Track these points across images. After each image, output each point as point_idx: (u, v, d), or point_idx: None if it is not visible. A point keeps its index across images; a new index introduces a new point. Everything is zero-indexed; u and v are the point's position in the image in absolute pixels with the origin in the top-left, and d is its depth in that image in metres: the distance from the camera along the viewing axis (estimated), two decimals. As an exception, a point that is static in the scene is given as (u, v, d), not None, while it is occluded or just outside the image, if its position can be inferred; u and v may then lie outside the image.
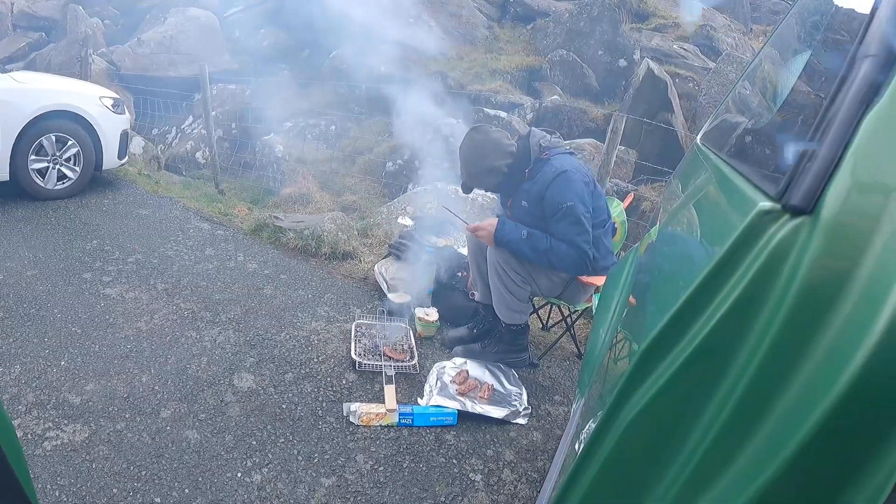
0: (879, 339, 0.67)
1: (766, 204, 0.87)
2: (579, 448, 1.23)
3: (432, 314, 3.71)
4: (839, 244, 0.78)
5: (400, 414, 2.89)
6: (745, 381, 0.84)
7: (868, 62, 0.83)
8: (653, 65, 7.02)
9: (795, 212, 0.83)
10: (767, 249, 0.84)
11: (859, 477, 0.72)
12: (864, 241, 0.75)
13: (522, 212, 3.16)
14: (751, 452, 0.82)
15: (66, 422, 2.65)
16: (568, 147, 3.32)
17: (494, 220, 3.15)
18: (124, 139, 5.89)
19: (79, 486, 2.32)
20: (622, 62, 8.25)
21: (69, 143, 5.36)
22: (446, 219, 4.29)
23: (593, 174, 3.33)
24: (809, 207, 0.81)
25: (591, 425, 1.21)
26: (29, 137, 5.09)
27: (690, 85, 7.66)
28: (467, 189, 3.33)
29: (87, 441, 2.55)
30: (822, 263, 0.78)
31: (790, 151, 0.92)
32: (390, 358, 3.33)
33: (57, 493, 2.27)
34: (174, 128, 8.41)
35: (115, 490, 2.33)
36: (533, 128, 3.33)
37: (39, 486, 2.29)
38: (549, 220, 3.05)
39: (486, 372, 3.29)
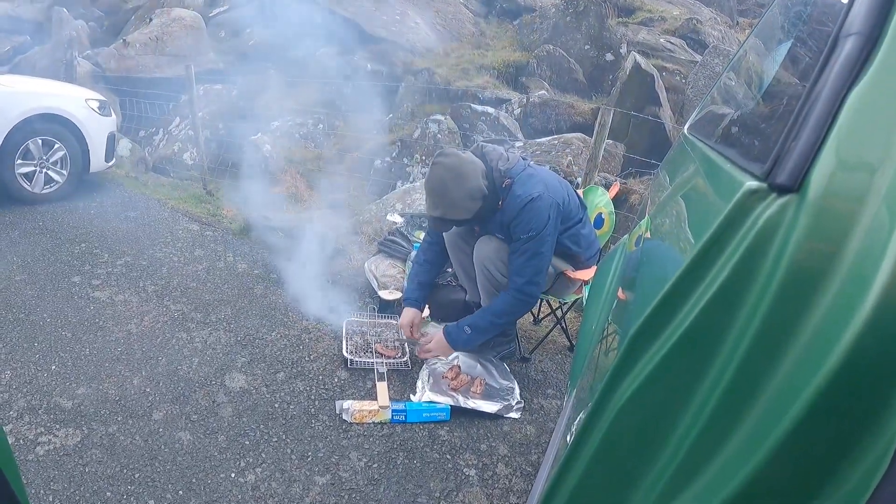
0: (869, 317, 0.67)
1: (752, 183, 0.87)
2: (570, 440, 1.23)
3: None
4: (826, 221, 0.78)
5: (393, 410, 2.89)
6: (735, 363, 0.84)
7: (851, 40, 0.84)
8: (640, 58, 7.03)
9: (782, 190, 0.83)
10: (755, 229, 0.84)
11: (851, 459, 0.72)
12: (852, 217, 0.76)
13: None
14: (742, 436, 0.82)
15: (58, 426, 2.64)
16: (521, 152, 3.13)
17: (440, 336, 3.15)
18: (111, 141, 5.86)
19: (72, 490, 2.31)
20: (609, 56, 8.25)
21: (56, 146, 5.34)
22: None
23: (560, 179, 3.19)
24: (796, 186, 0.82)
25: (582, 416, 1.21)
26: (15, 141, 5.07)
27: (677, 78, 7.67)
28: (445, 225, 3.02)
29: (79, 445, 2.55)
30: (809, 241, 0.79)
31: (775, 132, 0.92)
32: (382, 355, 3.33)
33: (50, 499, 2.26)
34: (161, 129, 8.35)
35: (108, 493, 2.32)
36: (482, 142, 3.08)
37: (33, 491, 2.28)
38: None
39: (478, 367, 3.30)
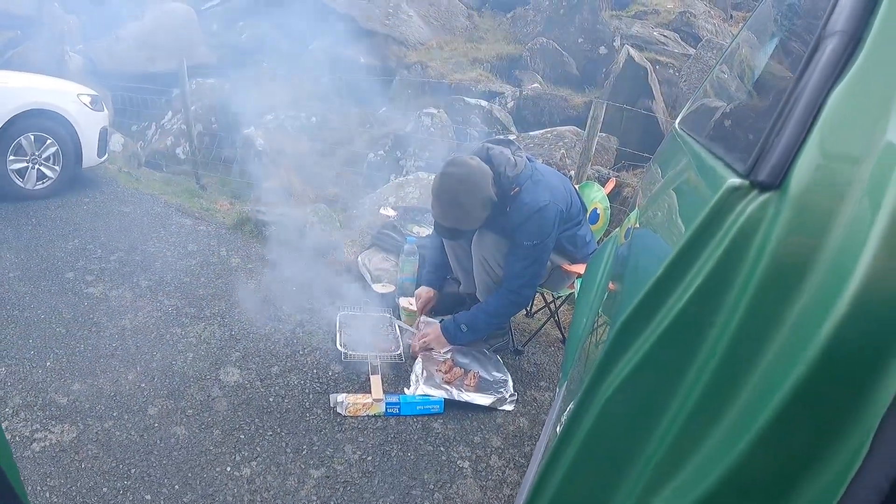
0: (847, 310, 0.68)
1: (734, 180, 0.89)
2: (559, 430, 1.25)
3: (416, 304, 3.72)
4: (806, 218, 0.79)
5: (387, 403, 2.91)
6: (718, 355, 0.86)
7: (835, 39, 0.85)
8: (633, 52, 7.04)
9: (763, 187, 0.84)
10: (736, 225, 0.86)
11: (830, 449, 0.73)
12: (831, 214, 0.77)
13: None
14: (727, 423, 0.83)
15: (53, 422, 2.65)
16: (525, 154, 3.12)
17: (437, 331, 3.23)
18: (104, 136, 5.83)
19: (69, 486, 2.32)
20: (602, 49, 8.26)
21: (48, 141, 5.31)
22: (426, 208, 4.27)
23: (563, 178, 3.23)
24: (776, 183, 0.83)
25: (571, 407, 1.23)
26: (7, 137, 5.03)
27: (671, 71, 7.69)
28: (454, 235, 3.07)
29: (75, 441, 2.55)
30: (790, 237, 0.80)
31: (758, 129, 0.93)
32: (375, 348, 3.34)
33: (47, 495, 2.27)
34: (153, 124, 8.33)
35: (104, 489, 2.33)
36: (488, 144, 3.10)
37: (29, 488, 2.28)
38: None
39: (472, 360, 3.32)
